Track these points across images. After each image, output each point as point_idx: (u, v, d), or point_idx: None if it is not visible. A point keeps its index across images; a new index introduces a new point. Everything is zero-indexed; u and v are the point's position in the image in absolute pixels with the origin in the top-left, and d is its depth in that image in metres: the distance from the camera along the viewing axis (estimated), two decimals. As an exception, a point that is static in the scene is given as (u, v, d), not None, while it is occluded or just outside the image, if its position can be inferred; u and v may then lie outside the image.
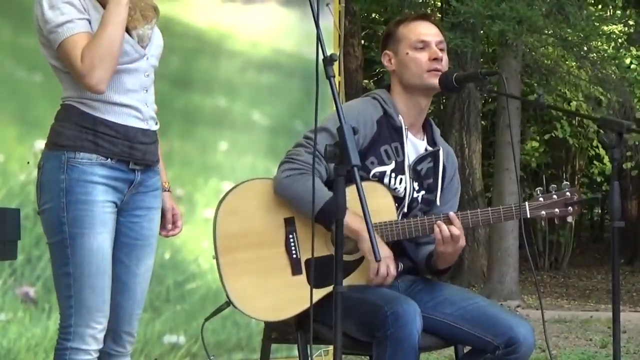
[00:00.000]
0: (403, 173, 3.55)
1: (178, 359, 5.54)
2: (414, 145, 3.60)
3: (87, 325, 3.07)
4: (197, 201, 5.57)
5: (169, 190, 3.38)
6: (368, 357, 3.40)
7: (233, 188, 3.51)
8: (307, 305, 3.23)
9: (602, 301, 13.79)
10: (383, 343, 3.27)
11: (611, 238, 3.26)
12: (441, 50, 3.57)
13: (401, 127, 3.56)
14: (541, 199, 3.52)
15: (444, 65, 3.56)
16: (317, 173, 3.40)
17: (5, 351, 5.07)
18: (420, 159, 3.61)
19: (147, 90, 3.18)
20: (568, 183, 3.58)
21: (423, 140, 3.65)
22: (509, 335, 3.39)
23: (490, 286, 13.54)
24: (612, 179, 3.28)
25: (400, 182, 3.55)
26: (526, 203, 3.52)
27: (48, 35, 3.04)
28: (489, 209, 3.53)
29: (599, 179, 19.64)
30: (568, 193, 3.52)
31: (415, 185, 3.59)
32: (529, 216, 3.51)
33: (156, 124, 3.23)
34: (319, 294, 3.24)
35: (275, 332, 3.61)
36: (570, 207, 3.52)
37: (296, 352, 3.50)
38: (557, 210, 3.52)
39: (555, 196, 3.52)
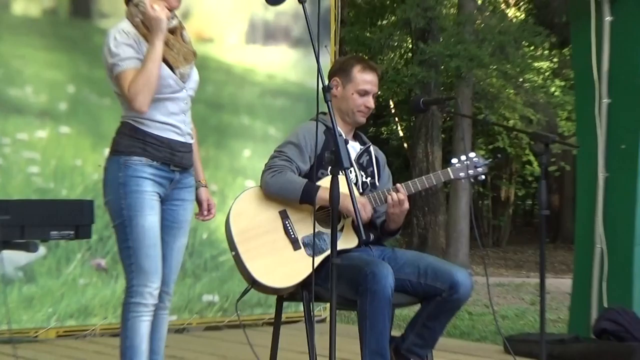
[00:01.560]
0: (352, 166, 3.55)
1: (213, 313, 5.55)
2: (353, 147, 3.61)
3: (145, 285, 3.06)
4: (227, 195, 5.56)
5: (205, 186, 3.37)
6: (356, 312, 3.39)
7: (237, 197, 3.48)
8: (309, 271, 3.23)
9: (532, 270, 13.81)
10: (364, 294, 3.26)
11: (539, 223, 3.28)
12: (374, 96, 3.58)
13: (341, 135, 3.53)
14: (457, 165, 3.49)
15: (370, 109, 3.57)
16: (292, 171, 3.40)
17: (84, 307, 5.09)
18: (360, 155, 3.61)
19: (185, 114, 3.16)
20: (474, 153, 3.54)
21: (356, 142, 3.66)
22: (451, 280, 3.35)
23: (448, 259, 13.56)
24: (541, 179, 3.28)
25: (351, 172, 3.54)
26: (448, 168, 3.49)
27: (111, 67, 3.03)
28: (424, 176, 3.49)
29: (530, 179, 19.64)
30: (475, 158, 3.50)
31: (362, 173, 3.59)
32: (452, 177, 3.47)
33: (192, 138, 3.21)
34: (317, 260, 3.24)
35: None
36: (478, 168, 3.49)
37: (302, 308, 3.50)
38: (470, 171, 3.50)
39: (467, 162, 3.50)
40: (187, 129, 3.17)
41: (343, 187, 3.39)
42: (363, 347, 3.31)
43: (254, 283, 3.39)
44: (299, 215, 3.37)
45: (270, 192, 3.40)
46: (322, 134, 3.52)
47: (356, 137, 3.69)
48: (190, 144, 3.20)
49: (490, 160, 3.56)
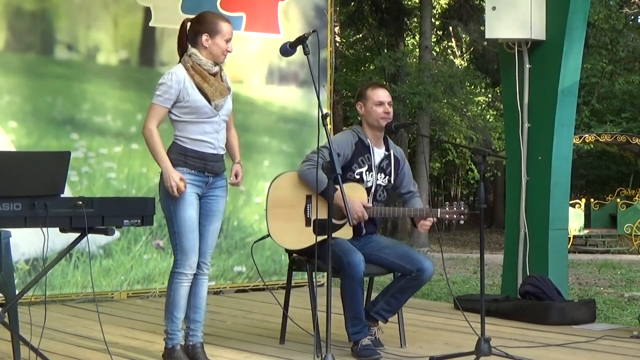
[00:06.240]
0: (372, 171, 3.48)
1: (242, 280, 5.52)
2: (378, 153, 3.52)
3: (187, 260, 3.06)
4: (252, 193, 5.54)
5: (239, 163, 3.23)
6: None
7: (280, 174, 3.44)
8: (311, 243, 3.18)
9: (474, 248, 13.78)
10: (344, 278, 3.28)
11: (479, 213, 3.27)
12: (389, 104, 3.49)
13: (369, 145, 3.48)
14: (447, 208, 3.42)
15: (390, 114, 3.48)
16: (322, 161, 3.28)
17: (147, 275, 5.06)
18: (382, 160, 3.52)
19: (218, 132, 3.12)
20: (462, 202, 3.46)
21: (382, 148, 3.55)
22: (418, 265, 3.36)
23: (413, 239, 13.52)
24: (480, 182, 3.29)
25: (370, 177, 3.47)
26: (439, 209, 3.40)
27: (155, 90, 3.04)
28: (424, 208, 3.42)
29: (472, 182, 19.62)
30: (462, 207, 3.43)
31: (381, 176, 3.50)
32: (439, 216, 3.40)
33: (223, 150, 3.16)
34: (319, 238, 3.17)
35: (295, 264, 3.57)
36: (462, 215, 3.42)
37: (307, 276, 3.48)
38: (455, 215, 3.43)
39: (455, 208, 3.43)
40: (220, 144, 3.13)
41: (357, 192, 3.38)
42: (345, 313, 3.34)
43: (268, 235, 3.39)
44: (318, 202, 3.31)
45: (302, 179, 3.36)
46: (353, 145, 3.45)
47: (385, 142, 3.56)
48: (222, 155, 3.15)
49: (473, 212, 3.41)
